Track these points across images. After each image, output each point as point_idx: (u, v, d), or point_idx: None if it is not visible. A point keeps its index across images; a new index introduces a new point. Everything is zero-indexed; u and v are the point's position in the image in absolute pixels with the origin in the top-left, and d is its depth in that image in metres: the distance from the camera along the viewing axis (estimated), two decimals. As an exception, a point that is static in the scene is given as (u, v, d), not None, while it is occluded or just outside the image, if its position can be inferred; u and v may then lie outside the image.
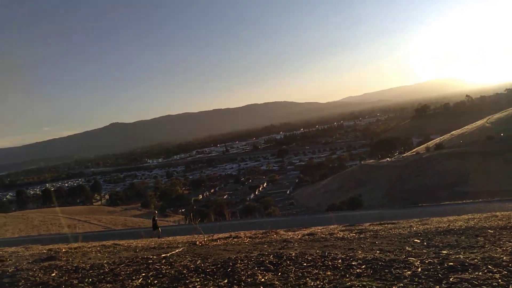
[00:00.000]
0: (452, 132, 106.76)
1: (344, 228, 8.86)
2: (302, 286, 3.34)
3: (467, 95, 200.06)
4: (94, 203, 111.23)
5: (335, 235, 7.04)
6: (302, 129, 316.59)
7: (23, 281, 4.41)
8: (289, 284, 3.44)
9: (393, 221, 9.63)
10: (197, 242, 7.54)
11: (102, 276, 4.37)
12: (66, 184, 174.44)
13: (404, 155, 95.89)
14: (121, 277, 4.26)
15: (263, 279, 3.67)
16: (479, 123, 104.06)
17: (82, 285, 4.05)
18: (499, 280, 2.98)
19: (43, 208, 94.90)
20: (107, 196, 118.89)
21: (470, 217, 9.14)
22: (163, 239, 10.17)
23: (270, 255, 4.77)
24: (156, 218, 17.95)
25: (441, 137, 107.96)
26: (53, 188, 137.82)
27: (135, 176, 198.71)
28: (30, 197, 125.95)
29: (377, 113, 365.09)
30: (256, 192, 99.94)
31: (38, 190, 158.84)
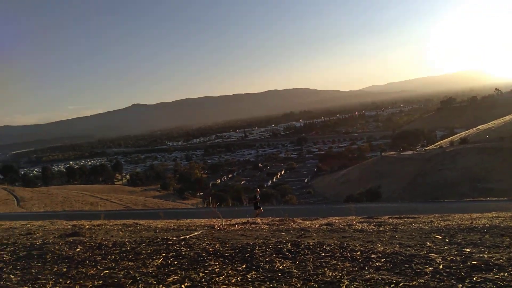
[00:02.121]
0: (478, 127, 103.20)
1: (362, 220, 8.79)
2: (320, 276, 3.34)
3: (496, 89, 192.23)
4: (115, 183, 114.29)
5: (353, 227, 7.00)
6: (322, 118, 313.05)
7: (50, 254, 4.60)
8: (307, 273, 3.44)
9: (413, 216, 9.48)
10: (215, 226, 7.65)
11: (124, 254, 4.50)
12: (89, 163, 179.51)
13: (427, 148, 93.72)
14: (142, 256, 4.37)
15: (281, 267, 3.70)
16: (507, 118, 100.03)
17: (105, 261, 4.19)
18: (526, 283, 2.89)
19: (67, 185, 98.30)
20: (128, 176, 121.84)
21: (494, 215, 8.89)
22: (181, 222, 10.37)
23: (288, 243, 4.79)
24: (258, 197, 16.18)
25: (467, 131, 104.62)
26: (76, 166, 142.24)
27: (155, 157, 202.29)
28: (54, 173, 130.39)
29: (400, 104, 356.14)
30: (274, 179, 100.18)
31: (62, 167, 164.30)
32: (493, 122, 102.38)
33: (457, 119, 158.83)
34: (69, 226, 8.50)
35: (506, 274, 3.14)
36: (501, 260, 3.55)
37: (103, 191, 71.60)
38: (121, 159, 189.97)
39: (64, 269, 3.91)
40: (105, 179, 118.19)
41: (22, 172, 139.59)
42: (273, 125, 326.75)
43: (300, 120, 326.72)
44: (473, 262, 3.52)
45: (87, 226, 8.24)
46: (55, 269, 3.94)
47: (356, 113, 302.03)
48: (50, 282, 3.46)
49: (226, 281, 3.31)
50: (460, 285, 2.92)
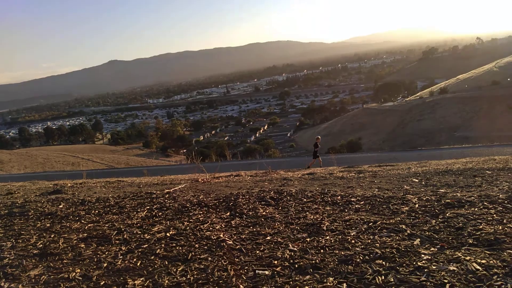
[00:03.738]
0: (458, 76, 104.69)
1: (343, 169, 9.01)
2: (302, 219, 3.45)
3: (477, 38, 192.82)
4: (96, 142, 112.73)
5: (334, 175, 7.18)
6: (305, 71, 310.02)
7: (32, 211, 4.57)
8: (289, 217, 3.55)
9: (392, 163, 9.79)
10: (199, 180, 7.72)
11: (108, 209, 4.51)
12: (67, 123, 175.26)
13: (407, 99, 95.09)
14: (126, 210, 4.40)
15: (264, 213, 3.79)
16: (486, 67, 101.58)
17: (89, 216, 4.20)
18: (494, 215, 3.07)
19: (46, 146, 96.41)
20: (108, 135, 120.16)
21: (468, 160, 9.27)
22: (165, 177, 10.41)
23: (271, 191, 4.89)
24: (319, 145, 15.49)
25: (446, 81, 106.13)
26: (54, 127, 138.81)
27: (136, 116, 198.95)
28: (32, 135, 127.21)
29: (383, 55, 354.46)
30: (257, 135, 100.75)
31: (40, 128, 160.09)
32: (473, 71, 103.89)
33: (438, 70, 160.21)
34: (50, 185, 8.42)
35: (476, 209, 3.31)
36: (472, 198, 3.74)
37: (84, 151, 70.69)
38: (101, 118, 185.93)
39: (48, 225, 3.90)
40: (85, 139, 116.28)
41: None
42: (255, 80, 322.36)
43: (283, 74, 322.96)
44: (447, 201, 3.69)
45: (69, 184, 8.18)
46: (38, 225, 3.94)
47: (339, 65, 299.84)
48: (34, 237, 3.46)
49: (211, 228, 3.38)
50: (434, 221, 3.07)
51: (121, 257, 2.80)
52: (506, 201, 3.48)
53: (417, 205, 3.62)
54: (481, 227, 2.80)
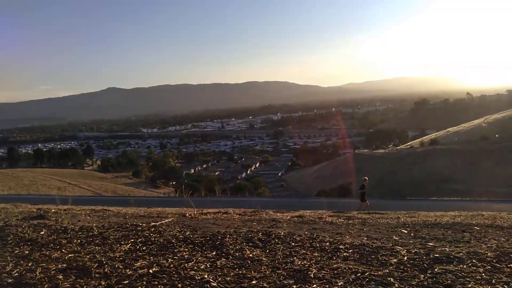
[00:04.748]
0: (448, 129, 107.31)
1: (332, 213, 8.96)
2: (289, 264, 3.38)
3: (467, 93, 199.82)
4: (85, 168, 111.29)
5: (323, 219, 7.12)
6: (300, 112, 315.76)
7: (12, 236, 4.42)
8: (276, 261, 3.48)
9: (381, 212, 9.77)
10: (187, 214, 7.59)
11: (91, 239, 4.39)
12: (59, 146, 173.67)
13: (398, 147, 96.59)
14: (110, 241, 4.28)
15: (251, 255, 3.71)
16: (476, 122, 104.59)
17: (71, 245, 4.07)
18: (483, 274, 3.04)
19: (34, 167, 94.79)
20: (98, 162, 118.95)
21: (457, 213, 9.29)
22: (152, 209, 10.22)
23: (259, 232, 4.82)
24: (366, 187, 14.97)
25: (437, 133, 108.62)
26: (45, 149, 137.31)
27: (129, 144, 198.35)
28: (21, 155, 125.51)
29: (376, 103, 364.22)
30: (248, 171, 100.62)
31: (30, 149, 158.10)
32: (463, 125, 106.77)
33: (429, 121, 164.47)
34: (34, 210, 8.20)
35: (465, 266, 3.29)
36: (461, 254, 3.72)
37: (72, 176, 69.56)
38: (93, 143, 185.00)
39: (26, 252, 3.77)
40: (74, 163, 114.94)
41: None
42: (250, 117, 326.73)
43: (278, 114, 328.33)
44: (436, 255, 3.67)
45: (53, 210, 7.97)
46: (16, 251, 3.80)
47: (333, 109, 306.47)
48: (10, 264, 3.32)
49: (195, 267, 3.29)
50: (422, 276, 3.03)
51: (99, 292, 2.69)
52: (494, 260, 3.47)
53: (405, 258, 3.59)
54: (469, 286, 2.77)
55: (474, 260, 3.46)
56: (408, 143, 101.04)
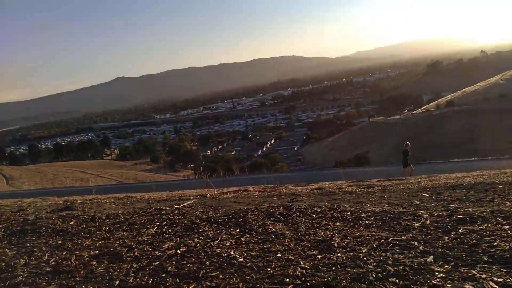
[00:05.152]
0: (464, 89, 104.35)
1: (352, 183, 8.96)
2: (312, 235, 3.44)
3: (482, 51, 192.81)
4: (104, 158, 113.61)
5: (343, 190, 7.14)
6: (310, 85, 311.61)
7: (43, 228, 4.60)
8: (299, 234, 3.54)
9: (401, 178, 9.72)
10: (208, 195, 7.73)
11: (118, 225, 4.54)
12: (76, 139, 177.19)
13: (414, 112, 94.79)
14: (136, 226, 4.42)
15: (274, 229, 3.78)
16: (492, 80, 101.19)
17: (100, 232, 4.22)
18: (509, 231, 3.03)
19: (55, 162, 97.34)
20: (116, 151, 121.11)
21: (479, 173, 9.17)
22: (174, 193, 10.43)
23: (280, 207, 4.88)
24: (409, 152, 14.52)
25: (453, 94, 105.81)
26: (63, 143, 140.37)
27: (144, 131, 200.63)
28: (42, 151, 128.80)
29: (387, 69, 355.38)
30: (264, 149, 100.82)
31: (49, 144, 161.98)
32: (479, 84, 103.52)
33: (443, 83, 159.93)
34: (61, 202, 8.49)
35: (489, 225, 3.27)
36: (485, 213, 3.70)
37: (92, 166, 71.25)
38: (109, 133, 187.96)
39: (59, 242, 3.93)
40: (93, 155, 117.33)
41: (8, 151, 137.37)
42: (261, 95, 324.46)
43: (288, 89, 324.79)
44: (459, 216, 3.66)
45: (79, 201, 8.24)
46: (50, 241, 3.97)
47: (344, 79, 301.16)
48: (46, 254, 3.48)
49: (221, 245, 3.38)
50: (447, 237, 3.04)
51: (132, 274, 2.81)
52: (519, 217, 3.44)
53: (428, 221, 3.59)
54: (495, 243, 2.76)
55: (498, 219, 3.44)
56: (424, 107, 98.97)
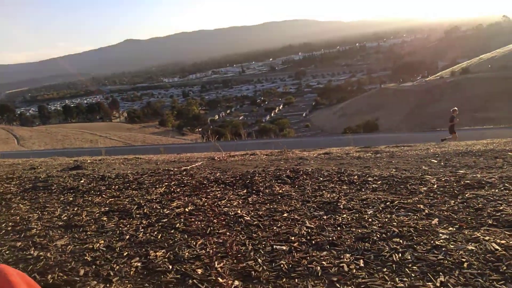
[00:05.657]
0: (481, 56, 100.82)
1: (360, 149, 8.94)
2: (318, 197, 3.47)
3: (504, 15, 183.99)
4: (112, 120, 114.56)
5: (351, 155, 7.13)
6: (322, 50, 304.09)
7: (55, 185, 4.72)
8: (306, 195, 3.57)
9: (410, 144, 9.64)
10: (216, 158, 7.79)
11: (128, 184, 4.63)
12: (85, 101, 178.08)
13: (427, 79, 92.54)
14: (145, 185, 4.50)
15: (280, 191, 3.82)
16: (511, 46, 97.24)
17: (110, 190, 4.32)
18: (516, 197, 3.01)
19: (65, 123, 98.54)
20: (125, 114, 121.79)
21: (489, 141, 9.05)
22: (182, 155, 10.54)
23: (287, 170, 4.91)
24: (456, 119, 13.73)
25: (469, 61, 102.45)
26: (72, 105, 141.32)
27: (152, 94, 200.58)
28: (51, 112, 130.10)
29: (403, 34, 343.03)
30: (272, 114, 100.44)
31: (58, 106, 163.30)
32: (497, 50, 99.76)
33: (460, 49, 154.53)
34: (71, 161, 8.66)
35: (496, 190, 3.26)
36: (493, 179, 3.67)
37: (101, 128, 72.07)
38: (117, 96, 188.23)
39: (71, 198, 4.04)
40: (102, 117, 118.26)
41: (19, 112, 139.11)
42: (271, 59, 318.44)
43: (299, 53, 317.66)
44: (466, 182, 3.64)
45: (89, 161, 8.39)
46: (62, 198, 4.08)
47: (357, 44, 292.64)
48: (58, 210, 3.59)
49: (228, 204, 3.44)
50: (453, 201, 3.04)
51: (142, 230, 2.90)
52: (528, 183, 3.41)
53: (435, 186, 3.59)
54: (501, 208, 2.76)
55: (506, 184, 3.41)
56: (438, 74, 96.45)
